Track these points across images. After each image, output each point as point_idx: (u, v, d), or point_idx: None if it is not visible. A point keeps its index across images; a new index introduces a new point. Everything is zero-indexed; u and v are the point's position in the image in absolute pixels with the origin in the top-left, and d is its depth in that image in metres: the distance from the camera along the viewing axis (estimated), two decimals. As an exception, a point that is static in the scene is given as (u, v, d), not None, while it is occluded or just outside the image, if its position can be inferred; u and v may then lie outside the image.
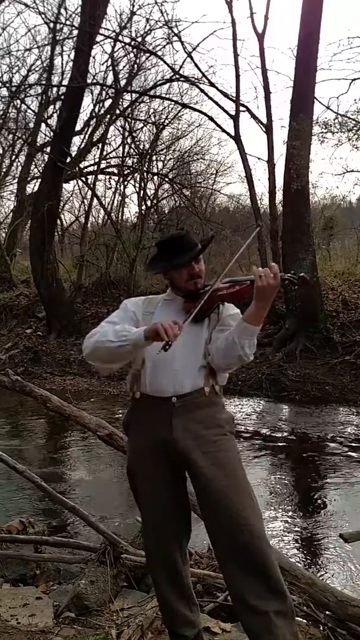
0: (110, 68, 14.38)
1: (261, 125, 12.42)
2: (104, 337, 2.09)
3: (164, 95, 15.00)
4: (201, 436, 2.09)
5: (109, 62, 14.33)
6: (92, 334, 2.16)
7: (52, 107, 16.17)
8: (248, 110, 12.61)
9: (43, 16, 14.58)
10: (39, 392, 3.59)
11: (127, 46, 14.36)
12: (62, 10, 14.28)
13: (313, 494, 5.33)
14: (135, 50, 14.30)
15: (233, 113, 12.57)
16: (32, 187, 18.31)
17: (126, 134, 15.87)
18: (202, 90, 13.34)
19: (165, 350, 1.95)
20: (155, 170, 17.12)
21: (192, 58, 12.89)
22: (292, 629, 2.02)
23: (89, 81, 13.61)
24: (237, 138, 12.55)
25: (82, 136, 16.63)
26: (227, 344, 2.05)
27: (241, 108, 12.55)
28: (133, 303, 2.29)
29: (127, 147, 16.26)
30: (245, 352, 2.03)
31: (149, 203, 16.49)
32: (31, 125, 16.65)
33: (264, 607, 1.97)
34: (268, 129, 12.34)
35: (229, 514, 2.01)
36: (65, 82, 14.23)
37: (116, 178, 17.43)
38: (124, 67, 15.26)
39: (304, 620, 2.66)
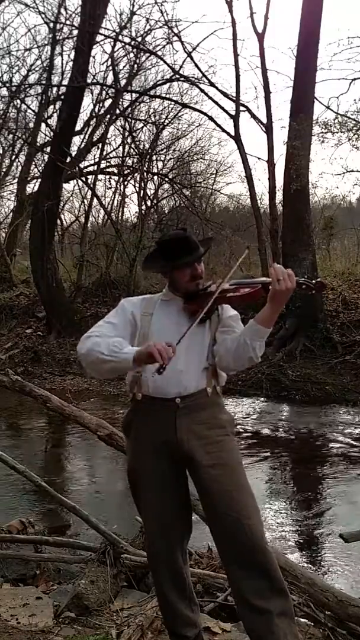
0: (110, 68, 14.38)
1: (261, 125, 12.40)
2: (97, 346, 2.07)
3: (164, 95, 14.99)
4: (205, 437, 2.10)
5: (109, 62, 14.33)
6: (89, 334, 2.15)
7: (52, 107, 16.15)
8: (248, 110, 12.61)
9: (43, 16, 14.53)
10: (39, 392, 3.60)
11: (127, 46, 14.37)
12: (62, 10, 14.27)
13: (313, 494, 5.33)
14: (135, 50, 14.31)
15: (233, 113, 12.58)
16: (32, 187, 18.30)
17: (126, 134, 15.87)
18: (202, 90, 13.34)
19: (159, 374, 1.93)
20: (155, 170, 17.10)
21: (192, 58, 12.89)
22: (293, 629, 2.02)
23: (89, 81, 13.61)
24: (237, 138, 12.54)
25: (82, 136, 16.62)
26: (239, 345, 2.06)
27: (241, 108, 12.55)
28: (132, 303, 2.26)
29: (127, 147, 16.27)
30: (256, 354, 2.06)
31: (149, 203, 16.48)
32: (31, 125, 16.60)
33: (265, 606, 1.98)
34: (268, 129, 12.33)
35: (233, 515, 2.02)
36: (65, 82, 14.22)
37: (116, 178, 17.44)
38: (124, 67, 15.28)
39: (304, 620, 2.66)
